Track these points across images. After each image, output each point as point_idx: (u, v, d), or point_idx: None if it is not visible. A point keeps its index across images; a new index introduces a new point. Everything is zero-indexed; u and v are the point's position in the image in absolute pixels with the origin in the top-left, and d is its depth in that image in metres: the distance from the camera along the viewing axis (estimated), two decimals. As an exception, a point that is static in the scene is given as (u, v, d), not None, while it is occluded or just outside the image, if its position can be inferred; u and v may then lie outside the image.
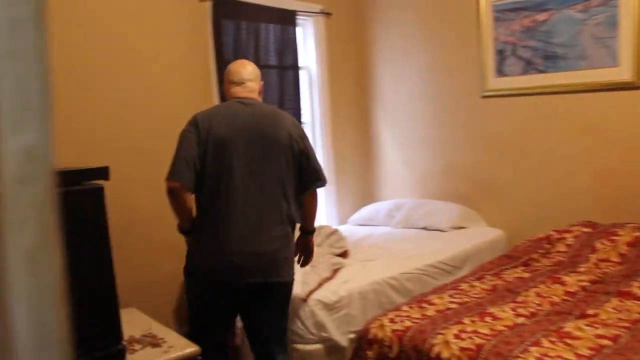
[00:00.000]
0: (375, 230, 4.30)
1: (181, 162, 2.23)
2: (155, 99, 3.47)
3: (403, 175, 4.70)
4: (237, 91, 2.42)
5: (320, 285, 2.83)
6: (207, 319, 2.43)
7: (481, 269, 3.15)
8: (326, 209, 4.69)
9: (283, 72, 4.25)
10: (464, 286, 2.85)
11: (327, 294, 2.77)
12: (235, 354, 2.88)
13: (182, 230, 2.40)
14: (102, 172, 1.55)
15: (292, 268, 2.41)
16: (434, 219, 4.14)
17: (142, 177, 3.26)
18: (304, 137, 2.44)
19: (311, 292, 2.75)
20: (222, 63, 3.88)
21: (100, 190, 1.51)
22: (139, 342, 2.17)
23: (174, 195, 2.25)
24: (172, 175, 2.23)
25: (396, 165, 4.74)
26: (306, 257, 2.62)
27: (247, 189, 2.27)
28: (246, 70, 2.45)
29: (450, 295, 2.70)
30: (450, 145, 4.35)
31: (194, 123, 2.31)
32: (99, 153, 3.12)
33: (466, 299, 2.65)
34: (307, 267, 2.97)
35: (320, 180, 2.44)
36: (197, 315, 2.51)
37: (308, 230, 2.58)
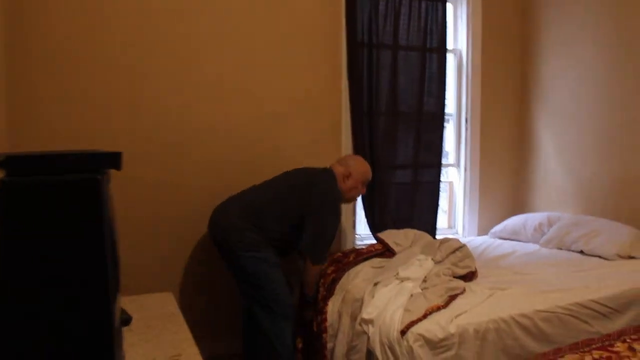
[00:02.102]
0: (519, 247, 3.64)
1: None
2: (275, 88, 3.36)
3: (563, 185, 3.93)
4: None
5: (426, 315, 2.34)
6: None
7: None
8: (465, 216, 4.12)
9: (426, 55, 3.74)
10: (619, 347, 2.16)
11: (433, 327, 2.27)
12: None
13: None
14: (111, 159, 1.26)
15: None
16: (596, 242, 3.36)
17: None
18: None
19: (412, 322, 2.29)
20: (355, 45, 3.51)
21: (93, 181, 1.21)
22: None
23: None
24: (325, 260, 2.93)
25: (555, 173, 3.98)
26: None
27: None
28: None
29: None
30: (629, 152, 3.50)
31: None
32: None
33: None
34: (416, 290, 2.53)
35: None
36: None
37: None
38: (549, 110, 4.00)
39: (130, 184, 3.03)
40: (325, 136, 3.56)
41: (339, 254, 3.14)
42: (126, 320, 1.77)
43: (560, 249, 3.55)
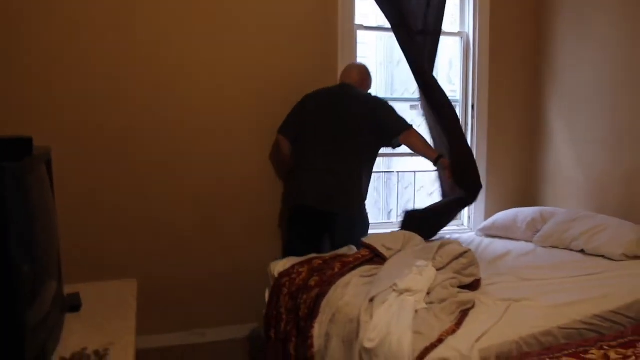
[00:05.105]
0: (512, 247, 3.29)
1: None
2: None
3: (574, 177, 3.62)
4: None
5: (441, 339, 1.91)
6: None
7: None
8: (470, 208, 3.83)
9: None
10: (594, 353, 1.81)
11: (453, 354, 1.85)
12: None
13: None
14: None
15: None
16: (599, 240, 3.04)
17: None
18: None
19: (427, 350, 1.85)
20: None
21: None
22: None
23: None
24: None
25: (566, 165, 3.67)
26: None
27: None
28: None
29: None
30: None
31: None
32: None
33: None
34: (421, 305, 2.10)
35: None
36: None
37: None
38: (563, 96, 3.66)
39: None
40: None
41: (319, 261, 2.67)
42: (75, 306, 1.80)
43: (557, 247, 3.22)
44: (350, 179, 3.02)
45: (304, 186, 3.03)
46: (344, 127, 3.02)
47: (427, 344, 1.87)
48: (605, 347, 1.88)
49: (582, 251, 3.09)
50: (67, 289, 1.95)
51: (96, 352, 1.51)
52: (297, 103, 3.16)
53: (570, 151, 3.62)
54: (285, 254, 3.08)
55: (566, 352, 1.84)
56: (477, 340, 1.93)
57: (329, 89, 3.20)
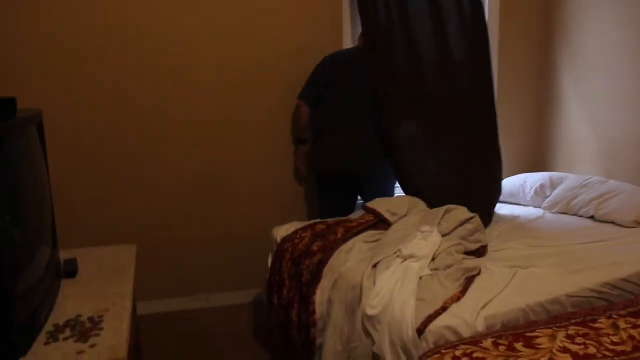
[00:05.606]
0: (520, 212, 3.22)
1: None
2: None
3: (585, 142, 3.52)
4: None
5: (445, 307, 1.87)
6: None
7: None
8: None
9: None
10: (602, 323, 1.76)
11: (456, 323, 1.80)
12: None
13: None
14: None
15: None
16: (609, 206, 2.97)
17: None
18: None
19: (431, 318, 1.81)
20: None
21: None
22: (71, 328, 1.42)
23: None
24: None
25: (577, 128, 3.56)
26: None
27: None
28: None
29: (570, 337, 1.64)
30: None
31: None
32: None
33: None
34: (425, 271, 2.06)
35: None
36: None
37: None
38: (576, 58, 3.52)
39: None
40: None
41: (322, 226, 2.61)
42: (71, 272, 1.78)
43: (566, 213, 3.15)
44: (372, 141, 3.01)
45: (331, 151, 3.05)
46: (362, 91, 2.98)
47: (431, 311, 1.83)
48: (614, 316, 1.83)
49: (592, 217, 3.02)
50: (65, 255, 1.92)
51: (91, 319, 1.48)
52: (317, 66, 3.09)
53: (581, 114, 3.51)
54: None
55: (574, 321, 1.79)
56: (483, 308, 1.89)
57: (350, 52, 3.16)
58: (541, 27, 3.74)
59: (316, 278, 2.24)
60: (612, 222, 2.92)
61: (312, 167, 3.25)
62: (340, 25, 3.34)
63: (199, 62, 3.12)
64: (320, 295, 2.19)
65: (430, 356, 1.57)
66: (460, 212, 2.46)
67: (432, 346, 1.72)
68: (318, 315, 2.16)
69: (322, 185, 3.18)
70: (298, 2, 3.24)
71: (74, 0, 2.87)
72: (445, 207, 2.52)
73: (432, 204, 2.72)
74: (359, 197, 3.20)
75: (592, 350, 1.59)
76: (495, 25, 3.60)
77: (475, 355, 1.54)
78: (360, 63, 3.01)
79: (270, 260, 2.66)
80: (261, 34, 3.21)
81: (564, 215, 3.14)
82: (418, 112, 2.97)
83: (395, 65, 2.95)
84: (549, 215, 3.17)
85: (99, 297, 1.61)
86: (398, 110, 2.96)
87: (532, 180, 3.43)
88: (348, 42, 3.37)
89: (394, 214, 2.61)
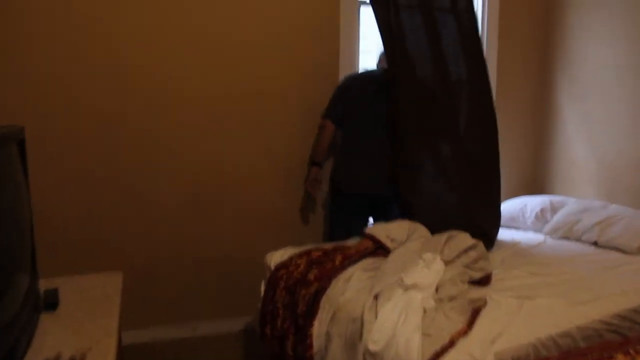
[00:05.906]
0: (520, 237, 3.13)
1: None
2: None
3: (584, 165, 3.46)
4: None
5: (452, 342, 1.76)
6: None
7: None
8: None
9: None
10: (619, 359, 1.67)
11: (466, 359, 1.69)
12: None
13: None
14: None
15: None
16: (613, 232, 2.89)
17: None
18: None
19: (437, 354, 1.69)
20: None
21: None
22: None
23: None
24: None
25: (576, 152, 3.50)
26: None
27: None
28: None
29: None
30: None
31: None
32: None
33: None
34: (429, 303, 1.95)
35: None
36: None
37: None
38: (575, 82, 3.48)
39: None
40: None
41: (318, 253, 2.49)
42: (52, 304, 1.66)
43: (568, 239, 3.07)
44: (387, 163, 2.98)
45: (352, 172, 3.01)
46: (384, 113, 2.94)
47: (438, 347, 1.71)
48: (631, 352, 1.73)
49: (594, 243, 2.94)
50: (45, 284, 1.79)
51: (72, 359, 1.36)
52: (338, 86, 3.07)
53: (580, 136, 3.45)
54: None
55: (590, 358, 1.68)
56: (492, 342, 1.78)
57: (372, 73, 3.12)
58: (539, 48, 3.70)
59: (313, 309, 2.12)
60: (616, 248, 2.84)
61: (331, 188, 3.18)
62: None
63: (187, 82, 3.01)
64: (318, 328, 2.07)
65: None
66: (463, 239, 2.35)
67: (440, 385, 1.61)
68: (315, 349, 2.04)
69: (336, 206, 3.12)
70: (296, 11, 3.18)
71: (57, 14, 2.76)
72: (447, 233, 2.42)
73: (433, 227, 2.63)
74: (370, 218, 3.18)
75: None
76: (493, 47, 3.56)
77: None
78: (382, 85, 2.96)
79: (262, 287, 2.54)
80: (256, 59, 3.12)
81: (565, 241, 3.05)
82: (429, 137, 2.94)
83: (410, 89, 2.91)
84: (550, 240, 3.08)
85: (82, 332, 1.49)
86: (411, 136, 2.91)
87: (532, 204, 3.35)
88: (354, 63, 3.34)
89: (393, 240, 2.51)
